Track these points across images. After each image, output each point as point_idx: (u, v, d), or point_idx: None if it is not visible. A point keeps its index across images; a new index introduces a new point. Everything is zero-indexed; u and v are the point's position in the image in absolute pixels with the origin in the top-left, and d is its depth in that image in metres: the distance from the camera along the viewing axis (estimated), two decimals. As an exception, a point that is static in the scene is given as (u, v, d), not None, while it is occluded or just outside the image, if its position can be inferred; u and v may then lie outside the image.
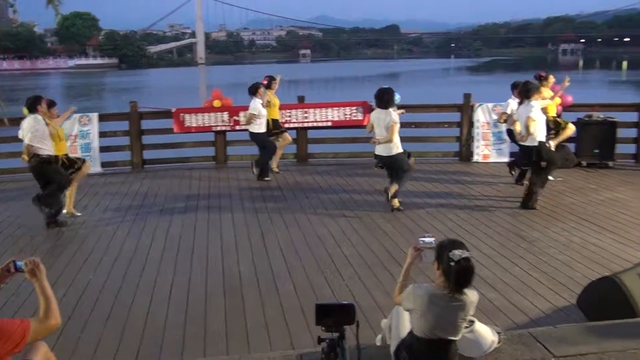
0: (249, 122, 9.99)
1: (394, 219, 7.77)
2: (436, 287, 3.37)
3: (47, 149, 7.59)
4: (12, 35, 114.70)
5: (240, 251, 6.72)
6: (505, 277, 5.78)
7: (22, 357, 3.01)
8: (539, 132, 7.89)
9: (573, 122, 10.81)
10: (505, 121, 9.48)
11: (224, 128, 11.41)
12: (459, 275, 3.26)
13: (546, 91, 9.15)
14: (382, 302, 5.17)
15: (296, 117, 11.34)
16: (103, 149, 11.17)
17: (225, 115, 11.33)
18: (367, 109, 11.39)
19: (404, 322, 3.60)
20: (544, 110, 8.86)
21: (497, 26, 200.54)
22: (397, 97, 8.43)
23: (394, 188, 8.09)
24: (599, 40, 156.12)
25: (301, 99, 11.89)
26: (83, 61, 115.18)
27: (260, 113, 9.89)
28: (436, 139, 11.99)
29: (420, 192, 9.05)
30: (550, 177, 8.99)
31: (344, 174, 10.48)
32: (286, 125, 11.08)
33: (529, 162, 8.20)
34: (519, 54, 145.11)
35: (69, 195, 8.12)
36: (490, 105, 11.19)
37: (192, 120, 11.32)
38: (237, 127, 11.38)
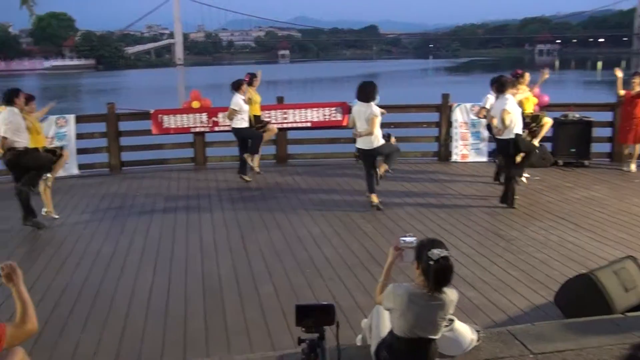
0: (230, 118, 9.96)
1: (374, 219, 7.80)
2: (416, 287, 3.38)
3: (23, 141, 7.49)
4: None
5: (219, 253, 6.69)
6: (484, 275, 5.83)
7: (-2, 363, 2.96)
8: (515, 125, 7.99)
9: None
10: (484, 116, 9.57)
11: (203, 129, 11.36)
12: (438, 274, 3.28)
13: (522, 89, 9.25)
14: (363, 302, 5.19)
15: (275, 118, 11.32)
16: (80, 151, 11.04)
17: (204, 116, 11.28)
18: (347, 110, 11.41)
19: (384, 322, 3.62)
20: (521, 104, 8.96)
21: (475, 27, 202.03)
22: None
23: (383, 167, 8.21)
24: (575, 40, 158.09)
25: (280, 100, 11.87)
26: (59, 62, 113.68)
27: (241, 108, 9.88)
28: (415, 139, 12.05)
29: (400, 192, 9.09)
30: (524, 177, 9.11)
31: (323, 175, 10.49)
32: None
33: (506, 155, 8.31)
34: (497, 54, 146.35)
35: (45, 193, 7.99)
36: (468, 105, 11.28)
37: (170, 122, 11.25)
38: (217, 128, 11.34)
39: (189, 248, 6.90)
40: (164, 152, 11.84)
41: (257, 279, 5.86)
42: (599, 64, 70.50)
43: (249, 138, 10.21)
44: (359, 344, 4.02)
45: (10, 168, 7.66)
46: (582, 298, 4.67)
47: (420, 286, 3.37)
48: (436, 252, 3.28)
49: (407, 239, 3.54)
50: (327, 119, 11.57)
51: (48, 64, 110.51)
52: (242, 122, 9.97)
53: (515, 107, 8.07)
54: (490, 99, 9.28)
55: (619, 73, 10.30)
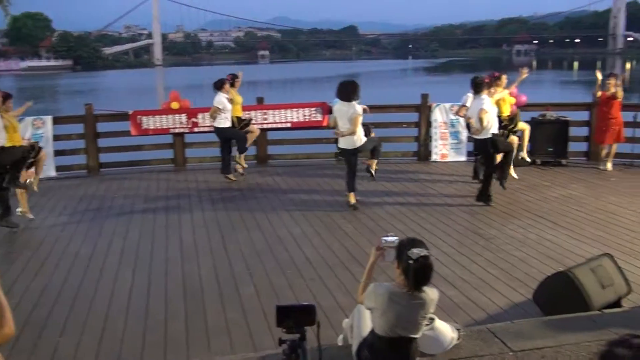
0: (213, 117, 9.91)
1: (355, 219, 7.82)
2: (396, 286, 3.40)
3: (1, 140, 7.41)
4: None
5: (200, 254, 6.65)
6: (464, 274, 5.87)
7: (-26, 367, 2.92)
8: (492, 125, 8.08)
9: (527, 122, 11.10)
10: (464, 115, 9.64)
11: (182, 130, 11.29)
12: (418, 274, 3.29)
13: (499, 91, 9.32)
14: (344, 302, 5.19)
15: (255, 119, 11.28)
16: (58, 153, 10.92)
17: (184, 117, 11.22)
18: (327, 110, 11.43)
19: (365, 322, 3.62)
20: (497, 105, 9.03)
21: (453, 27, 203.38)
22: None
23: (374, 163, 8.41)
24: (551, 41, 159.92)
25: (260, 100, 11.85)
26: (36, 63, 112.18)
27: (225, 107, 9.84)
28: (395, 139, 12.09)
29: (380, 192, 9.12)
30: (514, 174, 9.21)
31: (304, 175, 10.49)
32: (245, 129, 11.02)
33: (484, 155, 8.40)
34: (475, 54, 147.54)
35: (21, 193, 7.89)
36: (447, 105, 11.35)
37: (149, 123, 11.16)
38: (196, 129, 11.28)
39: (169, 249, 6.86)
40: (143, 154, 11.75)
41: (238, 280, 5.84)
42: (576, 64, 71.37)
43: (232, 138, 10.17)
44: (340, 344, 4.03)
45: None
46: (560, 295, 4.72)
47: (400, 285, 3.38)
48: (416, 252, 3.30)
49: (389, 238, 3.55)
50: (307, 120, 11.56)
51: (24, 64, 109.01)
52: (225, 121, 9.92)
53: (491, 107, 8.16)
54: (471, 97, 9.36)
55: (600, 75, 10.44)
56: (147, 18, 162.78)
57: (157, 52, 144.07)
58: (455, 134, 11.32)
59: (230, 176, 10.09)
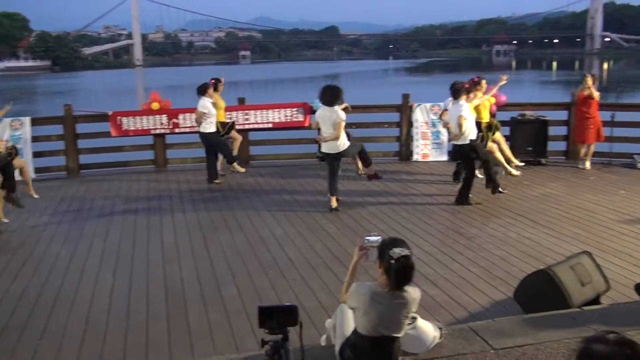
0: (198, 121, 9.85)
1: (337, 219, 7.83)
2: (378, 285, 3.41)
3: None
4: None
5: (181, 255, 6.62)
6: (446, 273, 5.91)
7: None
8: (470, 131, 8.14)
9: (507, 121, 11.22)
10: (443, 120, 9.70)
11: (163, 131, 11.22)
12: (399, 273, 3.31)
13: (479, 95, 9.36)
14: (327, 302, 5.20)
15: (237, 119, 11.25)
16: (36, 154, 10.79)
17: (164, 117, 11.15)
18: (308, 110, 11.44)
19: (348, 321, 3.63)
20: (478, 115, 9.11)
21: (434, 28, 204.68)
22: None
23: (370, 169, 8.53)
24: (530, 41, 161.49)
25: (241, 101, 11.82)
26: (13, 63, 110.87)
27: (210, 112, 9.78)
28: (376, 139, 12.13)
29: (362, 192, 9.14)
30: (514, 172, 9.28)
31: (285, 175, 10.48)
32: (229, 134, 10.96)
33: (463, 160, 8.47)
34: (455, 55, 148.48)
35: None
36: (428, 105, 11.42)
37: (129, 124, 11.08)
38: (177, 130, 11.23)
39: (150, 250, 6.81)
40: (123, 155, 11.66)
41: (220, 282, 5.82)
42: (554, 64, 72.18)
43: (214, 146, 10.09)
44: (323, 344, 4.04)
45: None
46: (540, 293, 4.77)
47: (382, 285, 3.39)
48: (397, 251, 3.31)
49: (372, 238, 3.56)
50: (288, 120, 11.56)
51: (2, 65, 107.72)
52: (210, 126, 9.85)
53: (469, 113, 8.21)
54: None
55: (590, 80, 10.48)
56: (126, 18, 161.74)
57: (137, 53, 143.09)
58: (436, 134, 11.38)
59: (217, 181, 10.03)
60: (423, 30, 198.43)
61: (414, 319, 3.73)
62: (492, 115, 9.83)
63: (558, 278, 4.69)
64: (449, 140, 8.67)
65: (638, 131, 11.30)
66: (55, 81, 71.75)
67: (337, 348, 3.64)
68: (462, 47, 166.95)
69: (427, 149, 11.49)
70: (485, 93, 9.57)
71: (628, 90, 34.23)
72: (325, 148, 8.19)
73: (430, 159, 11.41)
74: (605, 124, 10.56)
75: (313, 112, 11.24)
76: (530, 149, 10.98)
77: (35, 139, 10.78)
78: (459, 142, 8.24)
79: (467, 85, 8.66)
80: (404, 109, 11.53)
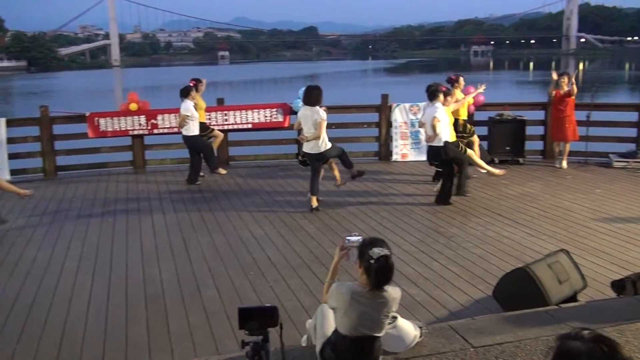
0: (181, 125, 9.77)
1: (317, 220, 7.83)
2: (359, 285, 3.42)
3: None
4: None
5: (161, 257, 6.57)
6: (426, 272, 5.94)
7: None
8: (444, 133, 8.19)
9: (485, 121, 11.32)
10: (418, 121, 9.76)
11: (141, 132, 11.13)
12: (379, 273, 3.32)
13: (458, 93, 9.45)
14: (307, 302, 5.20)
15: (216, 120, 11.21)
16: (12, 156, 10.64)
17: (143, 118, 11.06)
18: (288, 111, 11.43)
19: (329, 321, 3.63)
20: (456, 112, 9.19)
21: (412, 28, 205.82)
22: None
23: (354, 171, 8.47)
24: (507, 42, 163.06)
25: (220, 101, 11.77)
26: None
27: (193, 114, 9.72)
28: (356, 139, 12.16)
29: (342, 192, 9.15)
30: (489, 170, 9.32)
31: (265, 176, 10.46)
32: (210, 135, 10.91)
33: (439, 162, 8.52)
34: (433, 55, 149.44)
35: None
36: (407, 105, 11.47)
37: (107, 125, 10.98)
38: (155, 131, 11.15)
39: (129, 253, 6.75)
40: (101, 156, 11.56)
41: (200, 283, 5.79)
42: (531, 65, 72.98)
43: (199, 150, 10.03)
44: (304, 344, 4.03)
45: None
46: (518, 291, 4.81)
47: (363, 285, 3.40)
48: (377, 251, 3.32)
49: (353, 238, 3.57)
50: (268, 121, 11.53)
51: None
52: (193, 129, 9.80)
53: (444, 115, 8.25)
54: None
55: (555, 75, 10.69)
56: (103, 18, 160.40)
57: (115, 53, 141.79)
58: (415, 134, 11.43)
59: (197, 182, 9.97)
60: (401, 31, 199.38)
61: (395, 318, 3.74)
62: (470, 115, 9.91)
63: (536, 276, 4.74)
64: (426, 141, 8.72)
65: (613, 130, 11.46)
66: (31, 82, 70.85)
67: (317, 348, 3.64)
68: (441, 48, 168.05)
69: (406, 149, 11.55)
70: (465, 92, 9.65)
71: (603, 90, 34.71)
72: (307, 148, 8.21)
73: (409, 158, 11.47)
74: (581, 123, 10.69)
75: (293, 112, 11.24)
76: (508, 148, 11.09)
77: (10, 140, 10.64)
78: (434, 144, 8.31)
79: (444, 89, 8.71)
80: (383, 109, 11.57)
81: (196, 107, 9.97)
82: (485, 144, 11.21)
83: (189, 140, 9.88)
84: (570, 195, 8.85)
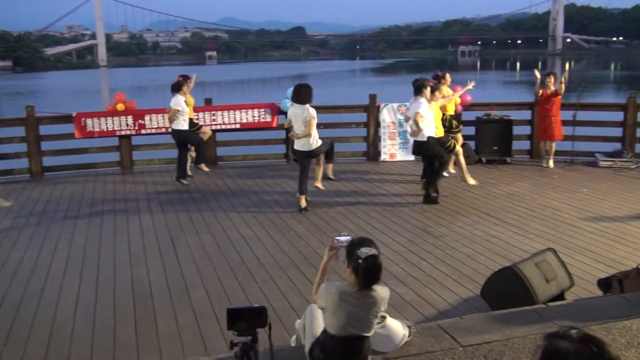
0: (171, 119, 9.73)
1: (306, 220, 7.83)
2: (347, 285, 3.42)
3: None
4: None
5: (149, 258, 6.54)
6: (414, 272, 5.96)
7: None
8: (428, 128, 8.22)
9: (472, 121, 11.37)
10: (404, 116, 9.78)
11: (128, 132, 11.08)
12: (367, 273, 3.33)
13: (445, 89, 9.49)
14: (296, 303, 5.20)
15: (204, 120, 11.17)
16: (-2, 157, 10.58)
17: (130, 118, 11.01)
18: (276, 111, 11.42)
19: (318, 321, 3.63)
20: (443, 108, 9.21)
21: (399, 28, 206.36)
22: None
23: (330, 167, 8.63)
24: (494, 42, 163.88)
25: (208, 101, 11.74)
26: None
27: (183, 109, 9.68)
28: (344, 139, 12.17)
29: (331, 192, 9.16)
30: (446, 174, 9.32)
31: (254, 176, 10.44)
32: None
33: (422, 156, 8.56)
34: (421, 55, 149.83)
35: None
36: (395, 105, 11.50)
37: (94, 125, 10.92)
38: (143, 131, 11.09)
39: (117, 253, 6.71)
40: (88, 156, 11.49)
41: (189, 284, 5.77)
42: (518, 65, 73.38)
43: (189, 143, 9.99)
44: (293, 344, 4.03)
45: None
46: (506, 290, 4.84)
47: (351, 284, 3.40)
48: (365, 251, 3.33)
49: (342, 238, 3.57)
50: (256, 121, 11.51)
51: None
52: (183, 123, 9.76)
53: (428, 111, 8.27)
54: None
55: (538, 74, 10.80)
56: (89, 18, 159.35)
57: (101, 53, 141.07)
58: (403, 134, 11.45)
59: (184, 181, 9.93)
60: (389, 31, 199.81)
61: (383, 317, 3.75)
62: (457, 115, 9.94)
63: (524, 275, 4.77)
64: (410, 135, 8.77)
65: (599, 130, 11.56)
66: (17, 82, 70.29)
67: (306, 348, 3.64)
68: (428, 48, 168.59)
69: (394, 149, 11.57)
70: (452, 90, 9.69)
71: (589, 90, 34.98)
72: (298, 145, 8.23)
73: (397, 158, 11.49)
74: (568, 123, 10.77)
75: (281, 112, 11.24)
76: (495, 148, 11.15)
77: (-4, 141, 10.55)
78: (418, 139, 8.34)
79: (431, 84, 8.75)
80: (371, 109, 11.59)
81: (186, 103, 9.94)
82: (472, 143, 11.29)
83: (177, 134, 9.83)
84: (557, 194, 8.91)
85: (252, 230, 7.42)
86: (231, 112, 11.46)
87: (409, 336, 3.96)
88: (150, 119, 10.99)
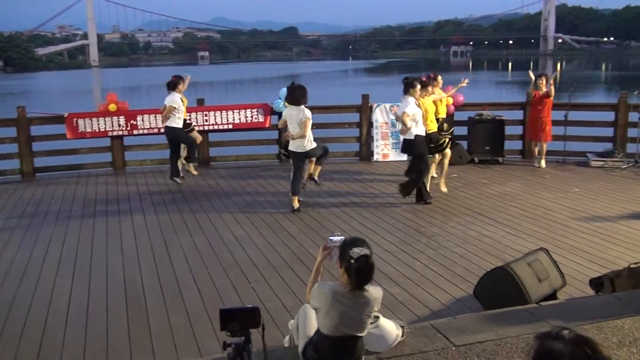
0: (166, 117, 9.67)
1: (298, 220, 7.82)
2: (340, 285, 3.42)
3: None
4: None
5: (142, 259, 6.52)
6: (407, 271, 5.96)
7: None
8: (415, 127, 8.21)
9: (465, 121, 11.40)
10: (395, 114, 9.78)
11: (120, 133, 11.04)
12: (359, 273, 3.33)
13: (437, 91, 9.48)
14: (289, 303, 5.19)
15: (196, 120, 11.14)
16: (-11, 158, 10.52)
17: (122, 119, 10.97)
18: (268, 111, 11.41)
19: (311, 322, 3.63)
20: (436, 105, 9.15)
21: (392, 29, 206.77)
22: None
23: (317, 169, 8.48)
24: (486, 42, 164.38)
25: (201, 102, 11.71)
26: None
27: (179, 107, 9.65)
28: (337, 140, 12.17)
29: (323, 192, 9.16)
30: (435, 174, 9.30)
31: (246, 177, 10.43)
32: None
33: (409, 155, 8.56)
34: (413, 55, 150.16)
35: None
36: (387, 105, 11.51)
37: (86, 126, 10.87)
38: (135, 132, 11.05)
39: (109, 255, 6.69)
40: (80, 157, 11.44)
41: (182, 285, 5.75)
42: (510, 65, 73.60)
43: (182, 142, 9.95)
44: (286, 345, 4.03)
45: None
46: (499, 290, 4.85)
47: (344, 284, 3.40)
48: (357, 251, 3.33)
49: (335, 238, 3.57)
50: (249, 121, 11.50)
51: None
52: (178, 121, 9.72)
53: (416, 109, 8.24)
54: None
55: (532, 75, 10.85)
56: (81, 18, 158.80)
57: (93, 53, 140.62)
58: (396, 134, 11.45)
59: (177, 179, 9.89)
60: (381, 31, 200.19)
61: (377, 317, 3.75)
62: (450, 115, 9.96)
63: (516, 275, 4.79)
64: (400, 133, 8.78)
65: (591, 130, 11.61)
66: (8, 82, 69.83)
67: (300, 349, 3.64)
68: (420, 48, 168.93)
69: (387, 149, 11.59)
70: (444, 91, 9.69)
71: (580, 90, 35.13)
72: (293, 146, 8.23)
73: (390, 158, 11.50)
74: (559, 122, 10.82)
75: (274, 113, 11.23)
76: (487, 148, 11.18)
77: (-13, 141, 10.49)
78: (406, 137, 8.35)
79: (424, 79, 8.75)
80: (364, 110, 11.60)
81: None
82: (465, 143, 11.32)
83: (171, 131, 9.77)
84: (549, 194, 8.94)
85: (245, 231, 7.41)
86: (224, 112, 11.44)
87: (402, 336, 3.97)
88: (143, 120, 10.96)
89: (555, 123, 10.74)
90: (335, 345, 3.45)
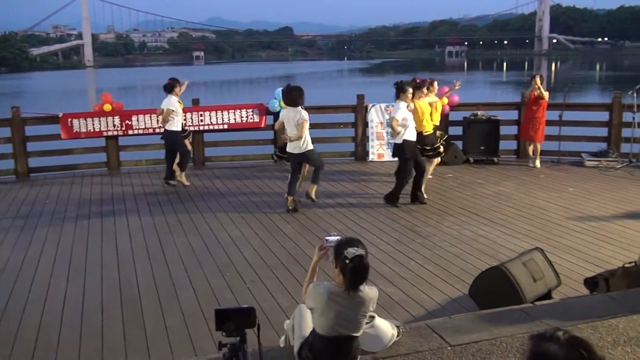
0: (165, 120, 9.64)
1: (294, 220, 7.82)
2: (335, 285, 3.43)
3: None
4: None
5: (137, 259, 6.51)
6: (402, 271, 5.97)
7: None
8: (408, 131, 8.19)
9: (460, 121, 11.42)
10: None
11: (115, 133, 11.01)
12: (354, 273, 3.33)
13: (431, 96, 9.43)
14: (284, 303, 5.19)
15: (191, 121, 11.13)
16: (-18, 158, 10.48)
17: (117, 119, 10.94)
18: (264, 111, 11.40)
19: (307, 322, 3.63)
20: (430, 106, 9.14)
21: (387, 29, 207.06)
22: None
23: (313, 188, 8.49)
24: (481, 42, 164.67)
25: (196, 102, 11.69)
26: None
27: (177, 110, 9.62)
28: (332, 140, 12.17)
29: (319, 193, 9.13)
30: (430, 175, 9.29)
31: (241, 177, 10.43)
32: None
33: (398, 159, 8.56)
34: (409, 55, 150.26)
35: None
36: (383, 105, 11.52)
37: (81, 126, 10.84)
38: (130, 132, 11.03)
39: (105, 255, 6.67)
40: (74, 157, 11.41)
41: (177, 285, 5.75)
42: (505, 65, 73.72)
43: (177, 149, 9.86)
44: (281, 345, 4.03)
45: None
46: (494, 289, 4.86)
47: (339, 284, 3.41)
48: (352, 251, 3.33)
49: (331, 238, 3.57)
50: (244, 121, 11.49)
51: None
52: (177, 124, 9.69)
53: (406, 114, 8.22)
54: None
55: (539, 80, 10.77)
56: (76, 18, 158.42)
57: (88, 53, 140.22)
58: (391, 134, 11.48)
59: (172, 182, 9.87)
60: (376, 32, 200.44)
61: (372, 317, 3.76)
62: (445, 115, 9.96)
63: (511, 274, 4.80)
64: (391, 136, 8.80)
65: (585, 130, 11.65)
66: (2, 82, 69.58)
67: (295, 349, 3.64)
68: (415, 48, 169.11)
69: (382, 149, 11.60)
70: (439, 94, 9.69)
71: (575, 90, 35.23)
72: (290, 148, 8.24)
73: (385, 158, 11.51)
74: (554, 122, 10.85)
75: (269, 113, 11.23)
76: (482, 148, 11.21)
77: (-19, 142, 10.45)
78: (395, 141, 8.36)
79: (418, 81, 8.75)
80: (359, 110, 11.61)
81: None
82: (460, 143, 11.35)
83: (170, 134, 9.70)
84: (544, 194, 8.97)
85: (241, 231, 7.41)
86: (219, 112, 11.42)
87: (398, 336, 3.97)
88: (138, 120, 10.94)
89: (549, 123, 10.78)
90: (331, 345, 3.45)
